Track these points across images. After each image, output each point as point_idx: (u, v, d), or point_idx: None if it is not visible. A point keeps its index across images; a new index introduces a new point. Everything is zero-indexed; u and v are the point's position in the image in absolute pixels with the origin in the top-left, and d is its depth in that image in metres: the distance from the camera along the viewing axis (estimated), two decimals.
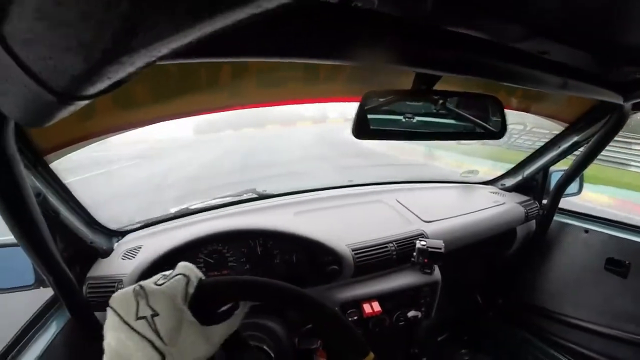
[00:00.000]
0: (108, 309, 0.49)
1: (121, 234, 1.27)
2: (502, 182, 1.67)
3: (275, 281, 0.57)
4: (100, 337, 1.08)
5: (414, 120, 0.87)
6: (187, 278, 0.52)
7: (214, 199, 1.43)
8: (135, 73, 0.29)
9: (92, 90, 0.31)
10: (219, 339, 0.52)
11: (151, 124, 0.90)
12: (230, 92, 0.87)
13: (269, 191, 1.48)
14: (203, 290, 0.52)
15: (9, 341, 0.96)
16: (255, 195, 1.46)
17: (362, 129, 0.82)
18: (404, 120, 0.87)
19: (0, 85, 0.33)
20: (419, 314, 1.17)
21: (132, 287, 0.50)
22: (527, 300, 1.65)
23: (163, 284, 0.50)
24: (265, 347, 0.95)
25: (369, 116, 0.83)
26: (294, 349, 1.04)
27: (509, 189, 1.63)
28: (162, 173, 7.74)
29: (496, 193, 1.60)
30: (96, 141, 0.94)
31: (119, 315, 0.48)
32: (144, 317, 0.47)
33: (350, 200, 1.49)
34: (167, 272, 0.54)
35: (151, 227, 1.31)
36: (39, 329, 1.02)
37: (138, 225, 1.32)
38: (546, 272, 1.59)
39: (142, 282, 0.50)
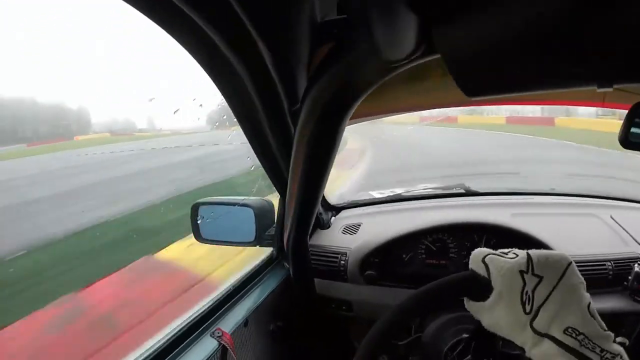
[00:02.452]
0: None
1: (336, 209, 1.45)
2: None
3: None
4: (312, 301, 1.23)
5: None
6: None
7: (424, 188, 1.57)
8: None
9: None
10: None
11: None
12: None
13: (480, 189, 1.58)
14: None
15: (229, 288, 1.13)
16: (464, 191, 1.57)
17: (631, 139, 0.89)
18: None
19: None
20: (627, 342, 1.17)
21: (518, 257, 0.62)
22: None
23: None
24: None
25: (637, 126, 0.91)
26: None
27: None
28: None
29: None
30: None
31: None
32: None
33: (562, 209, 1.52)
34: None
35: (365, 207, 1.48)
36: (255, 283, 1.19)
37: (351, 203, 1.49)
38: None
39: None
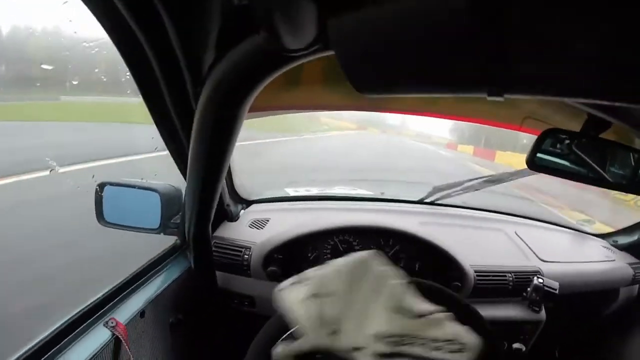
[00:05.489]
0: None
1: (247, 202, 1.44)
2: (615, 238, 1.73)
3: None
4: (213, 294, 1.25)
5: (579, 163, 0.99)
6: None
7: (337, 190, 1.59)
8: None
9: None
10: None
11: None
12: (428, 99, 1.02)
13: (393, 195, 1.62)
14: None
15: (128, 277, 1.10)
16: (376, 196, 1.60)
17: (536, 162, 0.95)
18: (571, 161, 0.99)
19: None
20: (523, 348, 1.28)
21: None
22: None
23: None
24: None
25: (545, 151, 0.97)
26: None
27: (620, 247, 1.69)
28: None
29: (607, 248, 1.67)
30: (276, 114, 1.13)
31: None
32: None
33: (471, 222, 1.62)
34: None
35: (277, 203, 1.48)
36: (155, 272, 1.17)
37: (263, 197, 1.49)
38: (638, 343, 1.64)
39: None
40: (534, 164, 0.95)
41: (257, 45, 0.57)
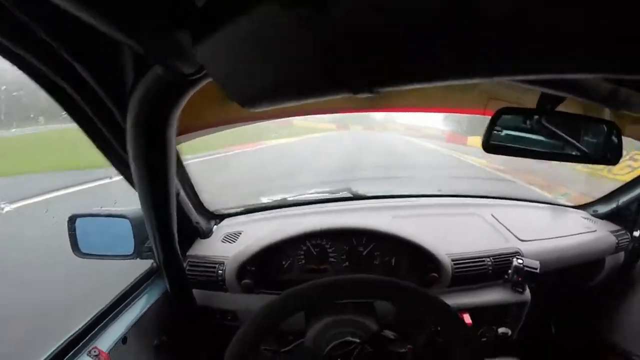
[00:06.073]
0: None
1: (219, 217, 1.44)
2: (595, 208, 1.74)
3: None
4: (193, 313, 1.24)
5: (537, 139, 0.98)
6: None
7: (310, 194, 1.59)
8: None
9: None
10: None
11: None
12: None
13: (364, 192, 1.63)
14: None
15: (107, 304, 1.11)
16: (350, 195, 1.61)
17: (492, 143, 0.94)
18: (528, 138, 0.98)
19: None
20: (510, 332, 1.28)
21: None
22: (605, 337, 1.71)
23: None
24: (358, 340, 1.08)
25: (499, 131, 0.96)
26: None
27: (600, 216, 1.70)
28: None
29: (587, 219, 1.68)
30: (225, 129, 1.13)
31: None
32: None
33: (446, 210, 1.62)
34: None
35: (249, 215, 1.47)
36: (134, 297, 1.17)
37: (235, 210, 1.48)
38: (630, 309, 1.64)
39: None
40: (491, 146, 0.93)
41: (158, 74, 0.57)
